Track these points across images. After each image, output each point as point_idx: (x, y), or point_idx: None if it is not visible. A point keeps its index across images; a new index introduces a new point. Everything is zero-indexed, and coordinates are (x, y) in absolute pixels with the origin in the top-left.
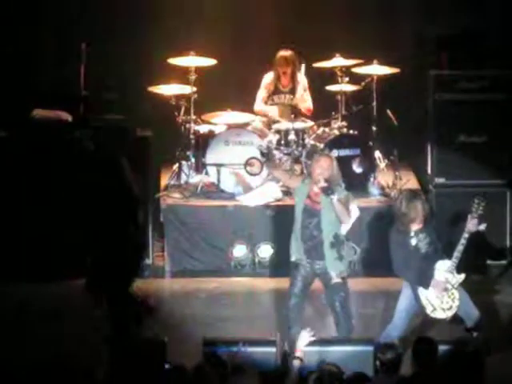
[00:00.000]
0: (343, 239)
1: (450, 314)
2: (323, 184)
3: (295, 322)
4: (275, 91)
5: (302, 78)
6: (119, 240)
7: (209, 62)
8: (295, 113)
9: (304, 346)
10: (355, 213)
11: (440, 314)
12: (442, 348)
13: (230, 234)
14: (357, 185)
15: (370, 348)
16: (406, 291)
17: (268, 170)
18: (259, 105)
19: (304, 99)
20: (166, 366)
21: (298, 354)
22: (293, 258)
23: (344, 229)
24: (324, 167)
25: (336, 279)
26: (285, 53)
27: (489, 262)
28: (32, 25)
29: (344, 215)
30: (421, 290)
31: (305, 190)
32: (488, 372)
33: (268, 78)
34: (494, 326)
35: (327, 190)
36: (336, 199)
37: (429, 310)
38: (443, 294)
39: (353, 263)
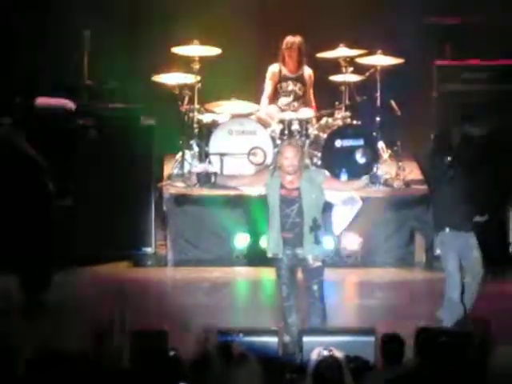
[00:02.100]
0: (321, 224)
1: None
2: (294, 166)
3: (291, 311)
4: (282, 78)
5: (308, 70)
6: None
7: (212, 51)
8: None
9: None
10: (358, 203)
11: None
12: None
13: (232, 224)
14: (360, 175)
15: (372, 338)
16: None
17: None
18: (263, 109)
19: (310, 99)
20: (171, 353)
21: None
22: (270, 254)
23: (346, 220)
24: (289, 157)
25: (315, 263)
26: (292, 38)
27: None
28: (35, 12)
29: (347, 186)
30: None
31: (276, 182)
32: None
33: (273, 68)
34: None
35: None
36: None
37: None
38: None
39: (355, 254)
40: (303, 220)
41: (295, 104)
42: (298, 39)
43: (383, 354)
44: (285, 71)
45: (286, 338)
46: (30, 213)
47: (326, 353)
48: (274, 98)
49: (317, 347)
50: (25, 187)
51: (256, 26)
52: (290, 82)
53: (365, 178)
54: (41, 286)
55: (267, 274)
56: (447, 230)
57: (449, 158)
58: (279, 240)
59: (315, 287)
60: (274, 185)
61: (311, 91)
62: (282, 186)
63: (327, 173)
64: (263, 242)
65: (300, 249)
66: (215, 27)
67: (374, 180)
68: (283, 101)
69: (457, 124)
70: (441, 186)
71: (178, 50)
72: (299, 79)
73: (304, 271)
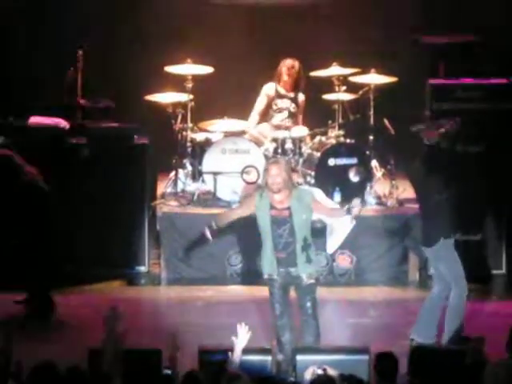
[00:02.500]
0: (311, 242)
1: None
2: (278, 184)
3: (284, 330)
4: (277, 96)
5: (302, 96)
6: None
7: (205, 69)
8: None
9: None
10: (351, 222)
11: None
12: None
13: (226, 243)
14: (353, 194)
15: (365, 357)
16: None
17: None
18: (252, 124)
19: (299, 122)
20: (165, 372)
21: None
22: (265, 276)
23: (340, 238)
24: (275, 175)
25: (307, 281)
26: (293, 60)
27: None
28: (29, 32)
29: (334, 213)
30: None
31: (266, 202)
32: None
33: (268, 86)
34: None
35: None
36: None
37: None
38: None
39: (349, 273)
40: (295, 239)
41: (289, 122)
42: (297, 62)
43: (377, 373)
44: (281, 89)
45: (280, 357)
46: (34, 232)
47: (319, 371)
48: (267, 115)
49: (310, 366)
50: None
51: (248, 44)
52: (285, 100)
53: (355, 202)
54: (46, 307)
55: (261, 293)
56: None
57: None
58: (273, 260)
59: (308, 304)
60: (264, 206)
61: (301, 116)
62: (272, 207)
63: (320, 191)
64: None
65: (293, 268)
66: (208, 46)
67: (364, 204)
68: (277, 118)
69: (451, 142)
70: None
71: (171, 68)
72: (294, 100)
73: (297, 289)
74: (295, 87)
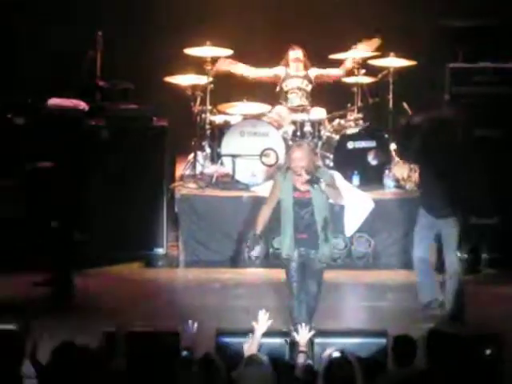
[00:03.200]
0: (329, 222)
1: None
2: (306, 177)
3: (302, 308)
4: (286, 77)
5: (314, 71)
6: None
7: (225, 52)
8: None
9: (305, 341)
10: (370, 205)
11: None
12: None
13: (244, 225)
14: (372, 177)
15: (383, 340)
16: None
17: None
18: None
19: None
20: (184, 353)
21: (302, 348)
22: (284, 255)
23: (358, 221)
24: (299, 158)
25: (320, 265)
26: (294, 53)
27: None
28: (49, 12)
29: (336, 196)
30: None
31: (289, 184)
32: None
33: (278, 68)
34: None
35: (312, 181)
36: (324, 185)
37: None
38: None
39: (367, 256)
40: (317, 220)
41: (305, 102)
42: (301, 52)
43: (395, 356)
44: (290, 71)
45: (296, 337)
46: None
47: (337, 354)
48: (281, 96)
49: (328, 348)
50: None
51: (268, 26)
52: (295, 79)
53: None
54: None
55: (278, 276)
56: None
57: None
58: (292, 241)
59: (314, 287)
60: (287, 188)
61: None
62: (295, 189)
63: (339, 174)
64: (276, 243)
65: (314, 248)
66: (227, 28)
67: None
68: (292, 99)
69: (470, 126)
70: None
71: (190, 51)
72: (305, 77)
73: (307, 271)
74: (304, 67)
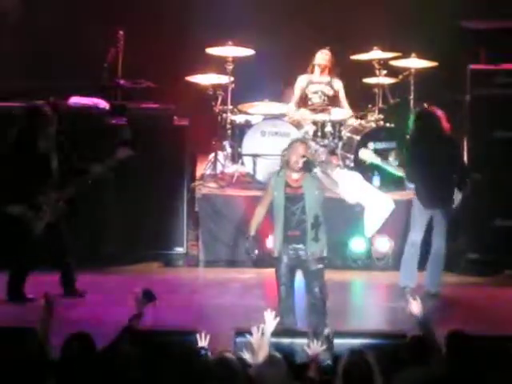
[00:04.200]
0: (321, 221)
1: None
2: (303, 161)
3: (288, 312)
4: (311, 83)
5: (338, 82)
6: None
7: (246, 52)
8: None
9: (315, 353)
10: (390, 206)
11: None
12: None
13: (265, 225)
14: (392, 178)
15: (402, 341)
16: None
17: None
18: (290, 110)
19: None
20: (202, 353)
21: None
22: (276, 254)
23: (378, 223)
24: (300, 153)
25: (315, 265)
26: (322, 58)
27: None
28: (70, 13)
29: (332, 184)
30: None
31: (282, 181)
32: None
33: (301, 79)
34: None
35: (309, 166)
36: (320, 172)
37: None
38: None
39: (387, 257)
40: (307, 217)
41: (325, 100)
42: (328, 56)
43: (411, 355)
44: (314, 77)
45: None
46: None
47: (356, 354)
48: (304, 102)
49: (347, 349)
50: None
51: (291, 26)
52: (317, 85)
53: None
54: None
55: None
56: None
57: None
58: (282, 239)
59: (316, 290)
60: (280, 184)
61: (344, 102)
62: (287, 185)
63: (359, 175)
64: (269, 242)
65: (303, 247)
66: (249, 28)
67: None
68: (313, 100)
69: (491, 128)
70: None
71: (212, 50)
72: (328, 84)
73: (305, 274)
74: (329, 73)
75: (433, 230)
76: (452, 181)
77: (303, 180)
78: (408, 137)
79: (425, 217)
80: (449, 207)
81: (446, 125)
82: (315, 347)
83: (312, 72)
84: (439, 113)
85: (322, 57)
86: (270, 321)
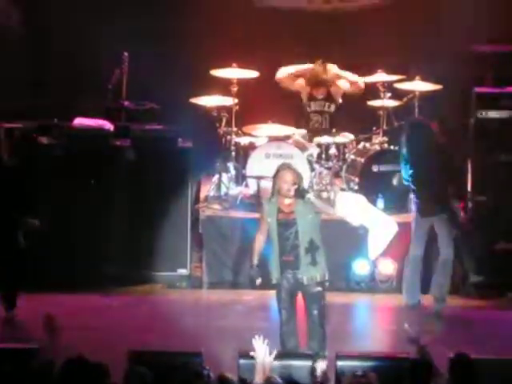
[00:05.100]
0: (318, 245)
1: None
2: (294, 188)
3: (290, 336)
4: (310, 97)
5: (342, 83)
6: None
7: (250, 74)
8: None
9: (321, 372)
10: (394, 228)
11: None
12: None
13: (268, 248)
14: (396, 200)
15: (406, 364)
16: None
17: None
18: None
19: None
20: (206, 372)
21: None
22: (274, 281)
23: (382, 245)
24: (289, 181)
25: (314, 288)
26: (320, 66)
27: None
28: (74, 33)
29: (326, 208)
30: None
31: (274, 208)
32: None
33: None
34: None
35: (301, 193)
36: (313, 197)
37: None
38: None
39: (391, 279)
40: (300, 241)
41: (326, 124)
42: (322, 67)
43: (412, 380)
44: (313, 92)
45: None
46: None
47: (359, 376)
48: (304, 121)
49: (350, 371)
50: None
51: (294, 49)
52: (318, 102)
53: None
54: None
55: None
56: None
57: None
58: (279, 264)
59: (315, 312)
60: (272, 211)
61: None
62: (280, 211)
63: (363, 197)
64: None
65: (299, 270)
66: (253, 50)
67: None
68: (314, 120)
69: (495, 151)
70: None
71: (216, 72)
72: (328, 99)
73: (304, 296)
74: (326, 90)
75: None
76: (445, 189)
77: (295, 205)
78: (402, 147)
79: (423, 229)
80: (445, 215)
81: (439, 136)
82: (322, 366)
83: (311, 87)
84: (431, 124)
85: (318, 76)
86: (260, 346)
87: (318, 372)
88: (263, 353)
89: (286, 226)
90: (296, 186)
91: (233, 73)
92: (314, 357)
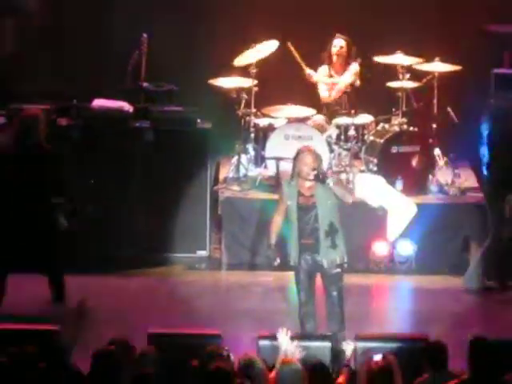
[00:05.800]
0: (337, 228)
1: None
2: (314, 174)
3: (309, 318)
4: (330, 77)
5: (354, 67)
6: None
7: (271, 46)
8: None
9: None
10: (413, 210)
11: None
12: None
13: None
14: (415, 182)
15: (423, 345)
16: None
17: None
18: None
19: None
20: (225, 355)
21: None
22: (292, 262)
23: (401, 226)
24: (309, 163)
25: (333, 269)
26: (339, 40)
27: None
28: (94, 16)
29: (346, 195)
30: None
31: (294, 191)
32: None
33: (322, 70)
34: None
35: (321, 177)
36: (332, 183)
37: None
38: None
39: (409, 260)
40: (320, 225)
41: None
42: (345, 42)
43: (428, 361)
44: (332, 73)
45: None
46: None
47: (378, 357)
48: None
49: (369, 352)
50: None
51: (315, 31)
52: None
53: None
54: None
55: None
56: None
57: None
58: (298, 247)
59: (334, 294)
60: (292, 194)
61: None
62: (300, 194)
63: (382, 178)
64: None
65: (319, 254)
66: (273, 32)
67: None
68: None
69: None
70: None
71: (238, 61)
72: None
73: (323, 277)
74: (345, 66)
75: None
76: None
77: (315, 188)
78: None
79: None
80: None
81: None
82: (348, 347)
83: (330, 63)
84: None
85: (339, 41)
86: (283, 339)
87: (348, 355)
88: (286, 342)
89: (306, 210)
90: (315, 172)
91: (252, 54)
92: (337, 340)
